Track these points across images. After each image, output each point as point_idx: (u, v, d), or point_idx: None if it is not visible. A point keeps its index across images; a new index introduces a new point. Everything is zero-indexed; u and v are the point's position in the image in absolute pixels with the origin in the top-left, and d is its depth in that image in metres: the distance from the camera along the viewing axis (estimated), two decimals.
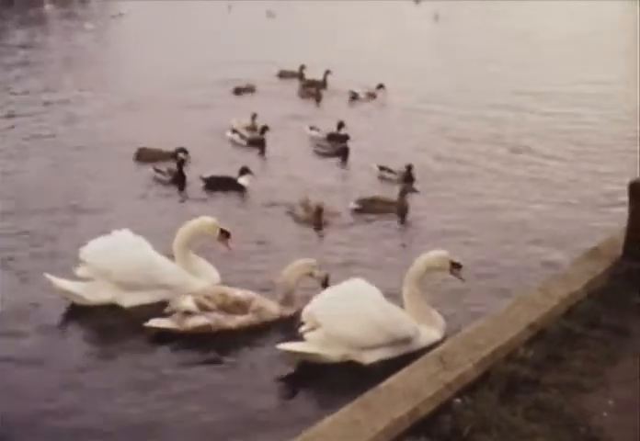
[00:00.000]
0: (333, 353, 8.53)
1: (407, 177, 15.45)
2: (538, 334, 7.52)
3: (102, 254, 10.06)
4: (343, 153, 17.40)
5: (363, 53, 29.98)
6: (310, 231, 13.06)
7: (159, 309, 9.95)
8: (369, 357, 8.57)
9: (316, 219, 13.16)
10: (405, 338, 8.70)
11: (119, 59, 30.45)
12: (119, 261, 10.06)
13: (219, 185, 15.04)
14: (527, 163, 17.24)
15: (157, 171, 15.47)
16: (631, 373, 7.04)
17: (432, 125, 20.54)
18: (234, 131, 18.46)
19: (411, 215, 13.70)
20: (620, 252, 8.96)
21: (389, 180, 15.62)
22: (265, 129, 18.11)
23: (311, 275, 9.87)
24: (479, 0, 50.64)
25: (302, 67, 26.53)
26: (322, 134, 18.53)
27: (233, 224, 11.77)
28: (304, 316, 8.75)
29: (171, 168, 15.46)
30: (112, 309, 9.99)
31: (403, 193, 13.88)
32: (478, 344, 7.23)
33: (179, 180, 15.28)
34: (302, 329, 8.71)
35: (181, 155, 16.16)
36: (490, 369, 6.95)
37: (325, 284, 9.74)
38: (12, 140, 18.73)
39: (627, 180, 9.35)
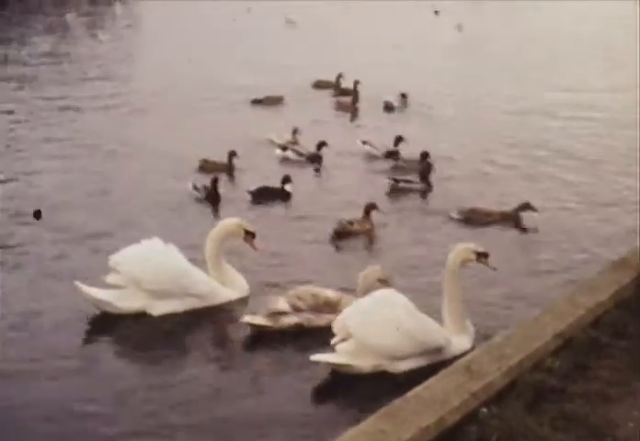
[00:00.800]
0: (365, 363, 8.60)
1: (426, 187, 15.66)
2: (565, 344, 7.54)
3: (133, 262, 10.16)
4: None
5: (388, 62, 29.58)
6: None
7: (188, 317, 10.15)
8: (401, 367, 8.63)
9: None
10: (436, 348, 8.78)
11: (136, 66, 30.12)
12: (150, 269, 10.15)
13: (264, 195, 15.08)
14: (574, 168, 17.36)
15: (194, 188, 15.17)
16: None
17: (467, 131, 20.48)
18: (285, 148, 17.75)
19: None
20: None
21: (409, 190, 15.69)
22: (322, 144, 17.52)
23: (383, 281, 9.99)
24: (496, 8, 50.51)
25: (340, 76, 25.56)
26: (379, 152, 17.73)
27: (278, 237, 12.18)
28: (335, 327, 8.83)
29: (206, 185, 15.16)
30: (141, 317, 10.09)
31: (521, 208, 13.90)
32: (505, 353, 7.25)
33: (213, 197, 15.00)
34: (334, 340, 8.78)
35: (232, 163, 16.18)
36: (517, 379, 6.98)
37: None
38: (35, 147, 18.69)
39: None
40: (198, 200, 15.01)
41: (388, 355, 8.62)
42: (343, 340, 8.71)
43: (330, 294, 9.93)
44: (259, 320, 9.65)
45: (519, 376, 7.02)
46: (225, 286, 10.65)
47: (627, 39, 33.92)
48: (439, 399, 6.50)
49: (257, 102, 23.29)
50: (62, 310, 10.18)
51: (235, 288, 10.68)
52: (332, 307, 9.78)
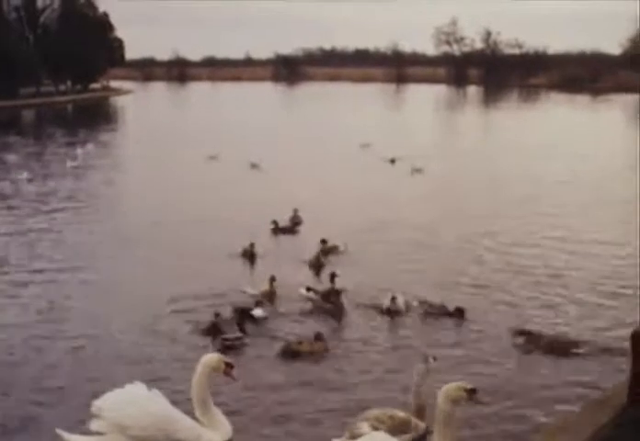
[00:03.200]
0: None
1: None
2: None
3: (117, 408, 10.05)
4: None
5: (348, 209, 28.57)
6: None
7: None
8: None
9: None
10: None
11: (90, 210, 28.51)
12: (134, 415, 10.05)
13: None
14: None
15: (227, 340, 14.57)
16: None
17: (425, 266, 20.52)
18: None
19: None
20: (625, 400, 9.03)
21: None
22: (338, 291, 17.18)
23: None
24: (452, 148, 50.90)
25: (296, 210, 25.85)
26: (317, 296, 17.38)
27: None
28: None
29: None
30: None
31: None
32: None
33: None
34: None
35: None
36: None
37: None
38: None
39: None
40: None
41: None
42: None
43: (403, 415, 10.64)
44: None
45: None
46: (209, 428, 10.53)
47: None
48: None
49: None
50: None
51: (219, 432, 10.55)
52: (406, 426, 10.55)
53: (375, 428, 10.20)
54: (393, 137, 56.16)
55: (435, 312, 16.53)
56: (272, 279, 17.78)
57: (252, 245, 21.55)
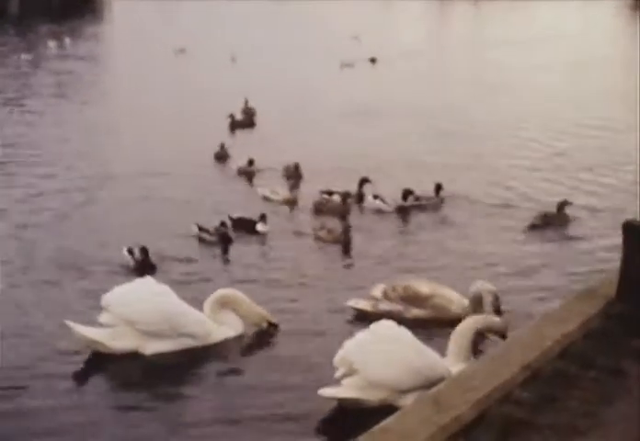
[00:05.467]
0: (371, 397, 8.77)
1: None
2: (532, 375, 7.53)
3: (126, 303, 10.19)
4: None
5: (311, 102, 28.56)
6: None
7: (181, 356, 10.22)
8: (406, 401, 8.64)
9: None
10: (439, 379, 8.77)
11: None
12: (143, 309, 10.17)
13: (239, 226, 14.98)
14: None
15: (202, 229, 14.53)
16: (626, 414, 7.02)
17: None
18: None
19: None
20: (613, 293, 8.97)
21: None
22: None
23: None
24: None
25: (246, 102, 24.96)
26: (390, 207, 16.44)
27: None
28: (337, 361, 8.95)
29: (218, 227, 14.38)
30: (134, 356, 10.12)
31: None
32: (473, 385, 7.27)
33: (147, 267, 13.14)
34: (338, 374, 8.92)
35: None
36: (485, 411, 6.95)
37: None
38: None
39: None
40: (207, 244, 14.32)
41: (395, 389, 8.79)
42: (347, 374, 8.84)
43: (423, 289, 10.84)
44: (361, 304, 10.86)
45: (487, 408, 6.99)
46: (219, 323, 10.65)
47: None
48: (407, 432, 6.50)
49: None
50: (52, 350, 10.17)
51: (229, 327, 10.72)
52: (421, 301, 10.72)
53: (385, 294, 10.81)
54: (380, 32, 55.12)
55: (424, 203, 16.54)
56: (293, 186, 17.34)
57: (222, 146, 20.35)
